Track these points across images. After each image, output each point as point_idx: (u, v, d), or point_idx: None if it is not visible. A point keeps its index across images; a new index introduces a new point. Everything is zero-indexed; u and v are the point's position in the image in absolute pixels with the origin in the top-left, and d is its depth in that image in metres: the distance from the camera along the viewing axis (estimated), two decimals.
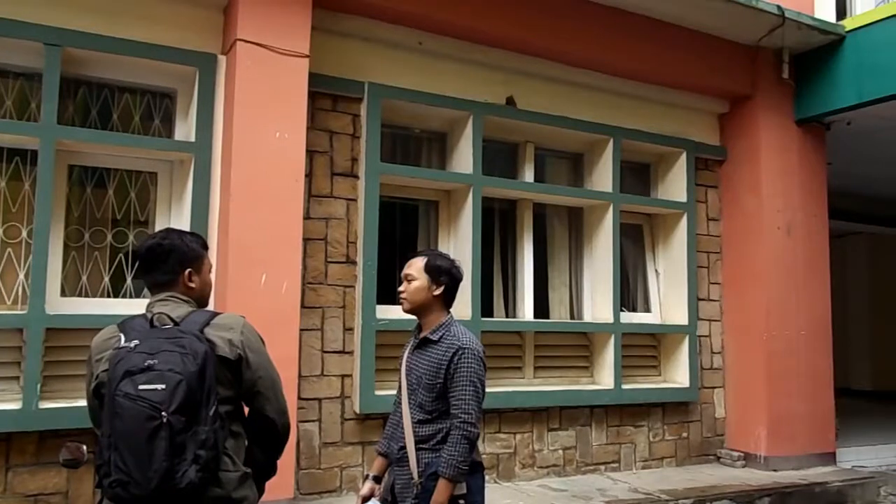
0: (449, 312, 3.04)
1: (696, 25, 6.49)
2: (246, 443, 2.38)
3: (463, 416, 2.83)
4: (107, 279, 4.85)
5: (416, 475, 2.82)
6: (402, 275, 3.03)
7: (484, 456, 5.71)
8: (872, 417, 8.71)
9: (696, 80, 6.73)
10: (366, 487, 3.07)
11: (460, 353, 2.86)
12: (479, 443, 5.71)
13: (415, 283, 2.97)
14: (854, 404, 8.17)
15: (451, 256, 3.18)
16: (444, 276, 2.99)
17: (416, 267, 3.00)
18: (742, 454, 6.76)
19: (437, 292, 2.98)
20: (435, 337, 2.94)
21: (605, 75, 6.41)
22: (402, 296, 3.01)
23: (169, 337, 2.14)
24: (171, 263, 2.38)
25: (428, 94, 5.69)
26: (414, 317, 3.08)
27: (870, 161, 8.54)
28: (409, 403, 2.95)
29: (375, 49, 5.54)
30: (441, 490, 2.79)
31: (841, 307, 7.54)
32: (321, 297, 5.27)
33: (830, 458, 6.90)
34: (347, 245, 5.40)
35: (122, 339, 2.18)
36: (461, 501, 2.82)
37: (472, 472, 2.90)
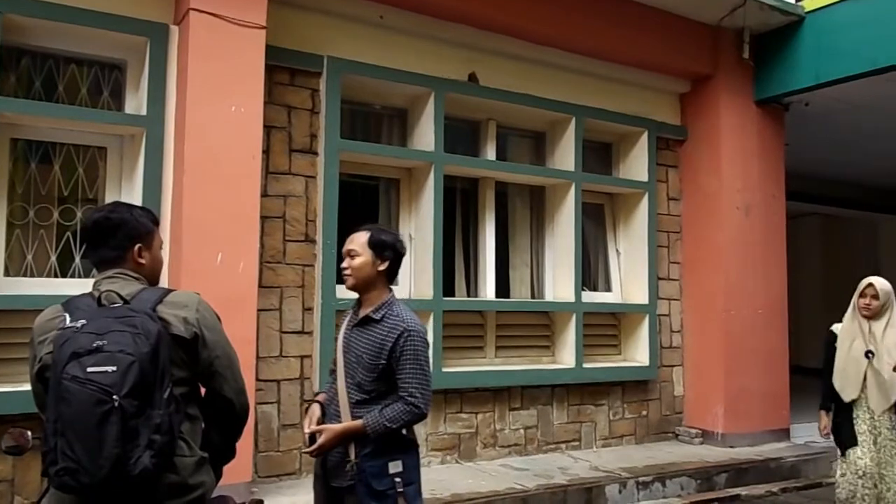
0: (391, 290, 2.97)
1: (658, 4, 6.47)
2: (202, 426, 2.27)
3: (411, 398, 2.78)
4: (53, 258, 4.66)
5: (352, 455, 2.75)
6: (345, 250, 2.93)
7: (445, 436, 5.71)
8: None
9: (658, 59, 6.72)
10: (313, 416, 2.94)
11: (406, 335, 2.81)
12: (441, 423, 5.71)
13: (359, 259, 2.88)
14: (805, 382, 8.33)
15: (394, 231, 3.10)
16: (389, 251, 2.91)
17: (359, 242, 2.90)
18: (700, 431, 6.85)
19: (382, 267, 2.90)
20: (377, 316, 2.87)
21: (568, 53, 6.36)
22: (346, 272, 2.92)
23: (119, 316, 2.02)
24: (120, 238, 2.23)
25: (389, 69, 5.57)
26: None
27: (826, 143, 8.68)
28: (347, 383, 2.87)
29: (335, 23, 5.40)
30: (349, 428, 2.76)
31: (794, 287, 7.66)
32: (279, 277, 5.15)
33: (785, 434, 7.04)
34: (306, 223, 5.28)
35: (68, 318, 2.05)
36: (397, 479, 2.76)
37: (407, 451, 2.86)
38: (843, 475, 4.38)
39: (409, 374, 2.79)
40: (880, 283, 4.36)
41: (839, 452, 4.44)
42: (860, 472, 4.28)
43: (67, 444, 1.89)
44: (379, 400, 2.82)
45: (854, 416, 4.37)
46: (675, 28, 6.66)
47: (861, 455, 4.29)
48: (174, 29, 4.73)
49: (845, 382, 4.38)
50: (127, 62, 4.86)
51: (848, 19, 6.37)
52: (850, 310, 4.44)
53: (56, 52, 4.72)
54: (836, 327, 4.56)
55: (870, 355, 4.24)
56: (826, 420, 4.54)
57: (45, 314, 2.18)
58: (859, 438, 4.31)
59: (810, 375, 10.72)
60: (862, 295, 4.35)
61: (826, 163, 9.78)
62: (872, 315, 4.30)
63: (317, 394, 3.05)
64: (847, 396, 4.36)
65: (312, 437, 2.82)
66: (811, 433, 6.95)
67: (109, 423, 1.87)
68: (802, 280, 12.56)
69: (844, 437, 4.39)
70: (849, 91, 6.73)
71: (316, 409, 2.95)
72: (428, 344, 2.91)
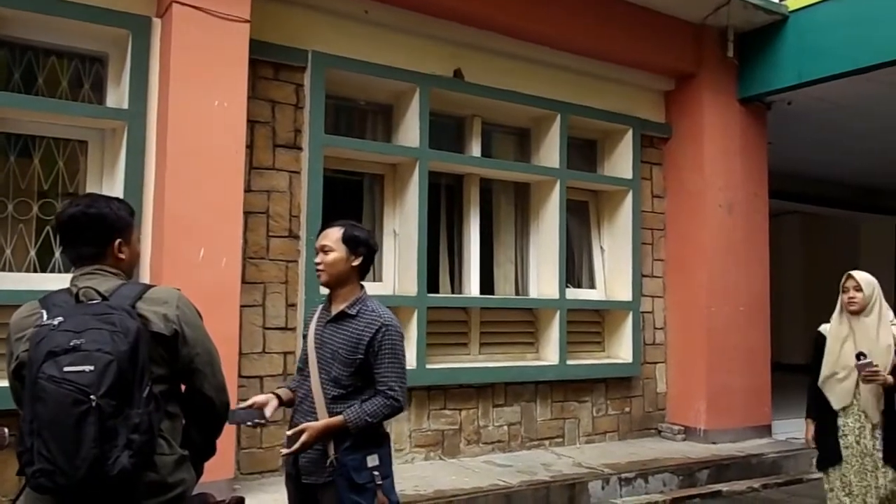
0: (362, 286, 2.97)
1: (643, 2, 6.48)
2: (182, 423, 2.25)
3: (390, 392, 2.80)
4: (33, 253, 4.60)
5: (331, 452, 2.75)
6: (318, 246, 2.93)
7: (429, 433, 5.71)
8: (804, 391, 8.97)
9: (643, 57, 6.74)
10: (263, 396, 2.91)
11: (384, 329, 2.81)
12: (425, 420, 5.70)
13: (332, 255, 2.88)
14: (786, 378, 8.41)
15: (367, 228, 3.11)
16: (362, 246, 2.92)
17: (332, 238, 2.91)
18: (682, 428, 6.89)
19: (355, 263, 2.90)
20: (353, 311, 2.87)
21: (554, 50, 6.36)
22: (320, 268, 2.91)
23: (97, 313, 1.98)
24: (99, 234, 2.18)
25: (374, 64, 5.55)
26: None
27: (807, 142, 8.74)
28: (322, 378, 2.86)
29: (320, 17, 5.36)
30: (331, 424, 2.75)
31: (775, 284, 7.71)
32: (263, 273, 5.12)
33: (766, 430, 7.09)
34: (290, 219, 5.25)
35: (45, 315, 2.01)
36: (375, 473, 2.77)
37: (382, 445, 2.88)
38: (830, 489, 4.05)
39: (387, 367, 2.81)
40: (861, 274, 4.04)
41: (820, 467, 4.12)
42: (846, 490, 3.97)
43: (44, 444, 1.86)
44: (356, 395, 2.82)
45: (841, 424, 4.00)
46: (660, 26, 6.68)
47: (846, 472, 3.96)
48: (157, 22, 4.68)
49: (835, 388, 4.02)
50: (108, 55, 4.81)
51: (830, 19, 6.41)
52: (836, 310, 4.10)
53: (36, 43, 4.66)
54: (824, 328, 4.18)
55: (862, 357, 3.81)
56: (812, 429, 4.18)
57: (22, 311, 2.14)
58: (845, 452, 3.96)
59: (792, 372, 10.84)
60: (844, 289, 4.03)
61: (808, 162, 9.86)
62: (860, 309, 3.96)
63: (279, 387, 3.04)
64: (838, 403, 4.00)
65: (291, 440, 2.80)
66: (792, 429, 7.01)
67: (87, 423, 1.84)
68: (784, 278, 12.67)
69: (828, 451, 4.05)
70: (831, 90, 6.78)
71: (273, 400, 2.88)
72: (404, 338, 2.93)
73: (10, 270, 4.51)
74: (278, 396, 2.95)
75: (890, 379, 3.82)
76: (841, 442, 3.99)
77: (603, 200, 7.14)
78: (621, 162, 6.99)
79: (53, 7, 4.38)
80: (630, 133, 6.92)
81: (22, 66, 4.65)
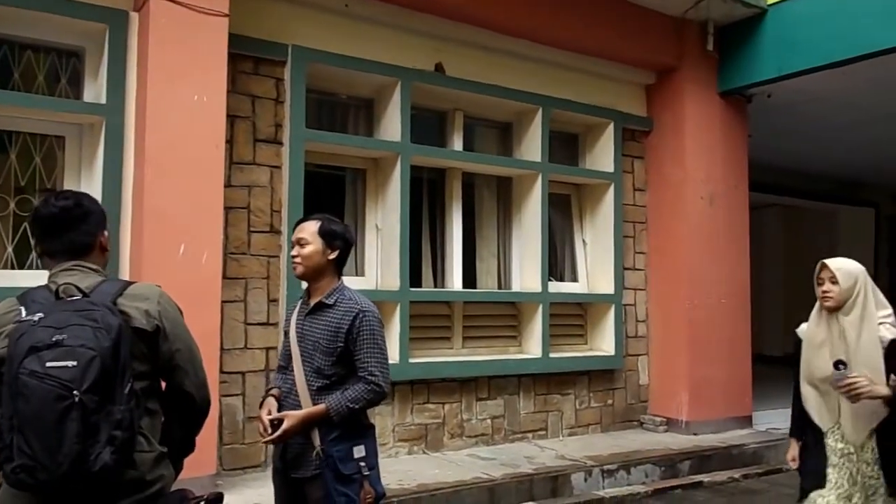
0: (340, 278, 2.97)
1: None
2: (162, 420, 2.24)
3: (371, 377, 2.81)
4: (10, 249, 4.55)
5: (316, 442, 2.75)
6: (295, 239, 2.94)
7: (412, 427, 5.71)
8: (784, 382, 9.06)
9: (624, 50, 6.76)
10: (271, 407, 2.91)
11: (361, 315, 2.83)
12: (408, 414, 5.70)
13: (309, 248, 2.89)
14: (767, 370, 8.49)
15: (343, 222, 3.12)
16: (339, 240, 2.93)
17: (309, 231, 2.91)
18: (664, 419, 6.94)
19: (332, 256, 2.91)
20: (330, 301, 2.88)
21: (535, 44, 6.36)
22: (296, 260, 2.92)
23: (78, 309, 1.97)
24: (92, 225, 2.20)
25: (355, 58, 5.53)
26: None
27: (787, 134, 8.80)
28: (305, 370, 2.87)
29: (299, 11, 5.34)
30: (312, 412, 2.76)
31: (756, 276, 7.78)
32: (244, 268, 5.09)
33: (747, 421, 7.16)
34: (271, 214, 5.23)
35: (23, 311, 2.00)
36: (362, 464, 2.78)
37: (368, 436, 2.89)
38: None
39: (366, 353, 2.82)
40: (839, 262, 3.32)
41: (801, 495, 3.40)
42: None
43: (25, 440, 1.84)
44: (340, 384, 2.83)
45: (826, 443, 3.31)
46: (641, 20, 6.70)
47: (825, 494, 3.25)
48: (134, 16, 4.63)
49: (816, 405, 3.35)
50: (85, 49, 4.76)
51: (809, 12, 6.46)
52: (815, 307, 3.41)
53: (11, 38, 4.60)
54: (801, 329, 3.50)
55: (841, 366, 3.13)
56: (795, 448, 3.50)
57: None
58: (829, 475, 3.26)
59: (772, 364, 10.95)
60: (818, 281, 3.33)
61: (788, 154, 9.94)
62: (837, 305, 3.24)
63: (269, 388, 3.04)
64: (821, 422, 3.32)
65: (273, 427, 2.80)
66: (772, 420, 7.09)
67: (69, 419, 1.83)
68: (765, 270, 12.77)
69: (808, 473, 3.38)
70: (810, 83, 6.83)
71: (272, 401, 2.93)
72: (383, 324, 2.94)
73: None
74: (275, 397, 2.95)
75: (882, 390, 3.07)
76: (829, 469, 3.28)
77: (585, 194, 7.16)
78: (603, 155, 7.01)
79: (30, 1, 4.33)
80: (612, 126, 6.94)
81: None
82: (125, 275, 4.44)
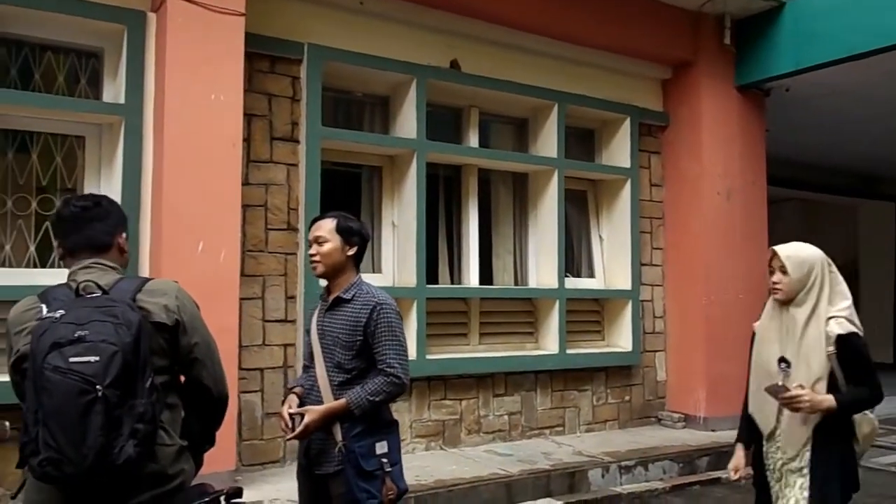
0: (358, 273, 2.99)
1: None
2: (182, 414, 2.27)
3: (390, 370, 2.82)
4: (32, 248, 4.61)
5: (338, 437, 2.77)
6: (312, 237, 2.95)
7: (429, 423, 5.73)
8: None
9: (640, 45, 6.73)
10: (293, 403, 2.94)
11: (378, 308, 2.85)
12: (425, 410, 5.72)
13: (327, 245, 2.91)
14: None
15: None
16: (356, 236, 2.96)
17: (326, 229, 2.93)
18: (682, 416, 6.92)
19: (350, 252, 2.94)
20: (348, 296, 2.90)
21: (550, 39, 6.35)
22: (315, 259, 2.93)
23: (98, 306, 2.01)
24: (112, 223, 2.26)
25: (370, 56, 5.54)
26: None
27: (805, 128, 8.73)
28: (326, 366, 2.89)
29: (315, 9, 5.36)
30: (333, 407, 2.78)
31: None
32: (261, 266, 5.13)
33: None
34: (288, 212, 5.26)
35: (44, 309, 2.04)
36: (384, 460, 2.80)
37: (391, 432, 2.90)
38: None
39: (385, 345, 2.83)
40: (789, 250, 3.00)
41: None
42: None
43: (50, 434, 1.88)
44: (360, 379, 2.85)
45: (764, 451, 3.05)
46: (657, 14, 6.67)
47: None
48: (151, 16, 4.68)
49: (758, 406, 3.04)
50: (104, 50, 4.81)
51: (827, 5, 6.40)
52: (769, 299, 3.11)
53: (32, 39, 4.66)
54: (758, 324, 3.20)
55: (783, 365, 2.89)
56: (741, 457, 3.13)
57: (20, 305, 2.16)
58: (772, 489, 3.02)
59: None
60: (770, 270, 3.02)
61: (806, 148, 9.86)
62: (787, 298, 2.94)
63: (292, 386, 3.07)
64: (762, 425, 3.02)
65: (294, 422, 2.82)
66: None
67: (93, 412, 1.86)
68: None
69: (760, 488, 3.09)
70: (828, 76, 6.77)
71: (294, 397, 2.96)
72: (401, 317, 2.95)
73: (10, 266, 4.53)
74: (297, 395, 2.98)
75: (825, 403, 2.77)
76: (771, 482, 3.03)
77: (601, 189, 7.14)
78: (619, 151, 6.98)
79: (49, 3, 4.38)
80: (628, 122, 6.91)
81: (19, 62, 4.65)
82: (144, 272, 4.49)
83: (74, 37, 4.70)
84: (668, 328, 7.19)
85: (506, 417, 6.17)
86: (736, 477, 3.10)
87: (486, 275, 6.45)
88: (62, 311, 1.98)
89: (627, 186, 6.91)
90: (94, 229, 2.22)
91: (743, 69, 7.06)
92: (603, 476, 5.51)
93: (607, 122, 7.04)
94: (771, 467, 3.01)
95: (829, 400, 2.78)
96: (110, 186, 4.63)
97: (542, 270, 6.58)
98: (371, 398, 2.79)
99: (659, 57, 6.96)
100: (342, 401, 2.79)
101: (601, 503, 5.25)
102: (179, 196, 4.44)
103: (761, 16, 6.84)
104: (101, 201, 2.29)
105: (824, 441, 2.86)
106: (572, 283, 6.79)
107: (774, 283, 2.98)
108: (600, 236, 7.14)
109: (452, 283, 6.29)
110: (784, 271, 2.95)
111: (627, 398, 6.91)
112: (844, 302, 2.91)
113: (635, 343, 6.86)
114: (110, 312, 1.99)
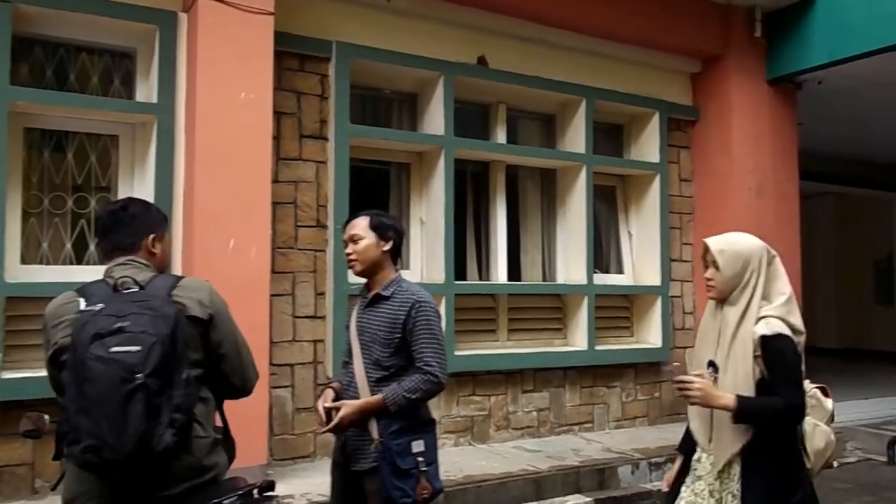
0: (397, 269, 3.01)
1: None
2: (214, 407, 2.32)
3: (427, 368, 2.82)
4: (68, 246, 4.71)
5: (374, 433, 2.79)
6: (348, 237, 2.97)
7: (458, 419, 5.74)
8: (837, 375, 8.86)
9: (668, 39, 6.66)
10: (328, 397, 2.95)
11: (417, 306, 2.85)
12: (454, 406, 5.73)
13: (363, 242, 2.93)
14: (820, 362, 8.32)
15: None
16: (391, 231, 2.98)
17: (360, 226, 2.96)
18: None
19: (386, 248, 2.95)
20: (387, 293, 2.91)
21: (578, 34, 6.32)
22: (352, 257, 2.95)
23: (136, 300, 2.07)
24: (137, 227, 2.33)
25: (398, 53, 5.56)
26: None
27: (838, 121, 8.59)
28: (364, 362, 2.90)
29: (342, 7, 5.39)
30: (369, 402, 2.79)
31: (809, 267, 7.61)
32: (291, 262, 5.18)
33: None
34: (318, 209, 5.31)
35: (83, 303, 2.10)
36: (420, 458, 2.80)
37: (428, 431, 2.91)
38: None
39: (423, 344, 2.84)
40: (721, 243, 2.69)
41: None
42: None
43: (93, 422, 1.93)
44: (398, 376, 2.86)
45: (694, 462, 2.77)
46: (686, 7, 6.60)
47: None
48: (183, 16, 4.74)
49: (694, 414, 2.79)
50: (137, 50, 4.89)
51: None
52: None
53: (67, 41, 4.75)
54: (700, 323, 2.94)
55: (709, 370, 2.65)
56: (675, 469, 2.90)
57: (58, 300, 2.22)
58: (682, 494, 2.74)
59: (826, 356, 10.74)
60: (704, 265, 2.76)
61: (840, 141, 9.69)
62: (721, 296, 2.68)
63: (330, 380, 3.09)
64: (698, 436, 2.76)
65: (329, 416, 2.84)
66: None
67: (135, 400, 1.92)
68: (817, 261, 12.50)
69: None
70: (862, 68, 6.65)
71: (330, 392, 2.99)
72: (440, 315, 2.95)
73: (47, 263, 4.63)
74: (334, 389, 3.01)
75: (721, 400, 2.50)
76: (690, 488, 2.73)
77: (630, 185, 7.10)
78: (648, 146, 6.93)
79: (83, 5, 4.46)
80: (657, 116, 6.86)
81: (54, 63, 4.74)
82: (177, 270, 4.55)
83: (108, 38, 4.78)
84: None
85: (534, 413, 6.17)
86: (667, 490, 2.86)
87: (514, 271, 6.44)
88: (102, 305, 2.05)
89: (656, 182, 6.86)
90: (119, 233, 2.31)
91: (774, 62, 6.96)
92: (633, 473, 5.48)
93: (636, 116, 6.99)
94: (700, 474, 2.70)
95: (728, 398, 2.49)
96: (143, 185, 4.71)
97: (571, 266, 6.56)
98: (407, 395, 2.79)
99: (688, 50, 6.89)
100: (378, 396, 2.80)
101: (631, 500, 5.22)
102: (210, 194, 4.49)
103: (792, 7, 6.75)
104: (128, 206, 2.38)
105: (754, 458, 2.55)
106: (601, 279, 6.76)
107: (707, 279, 2.71)
108: (629, 232, 7.10)
109: (480, 279, 6.29)
110: (716, 266, 2.67)
111: (657, 395, 6.86)
112: (780, 298, 2.60)
113: (665, 339, 6.80)
114: (147, 305, 2.05)
